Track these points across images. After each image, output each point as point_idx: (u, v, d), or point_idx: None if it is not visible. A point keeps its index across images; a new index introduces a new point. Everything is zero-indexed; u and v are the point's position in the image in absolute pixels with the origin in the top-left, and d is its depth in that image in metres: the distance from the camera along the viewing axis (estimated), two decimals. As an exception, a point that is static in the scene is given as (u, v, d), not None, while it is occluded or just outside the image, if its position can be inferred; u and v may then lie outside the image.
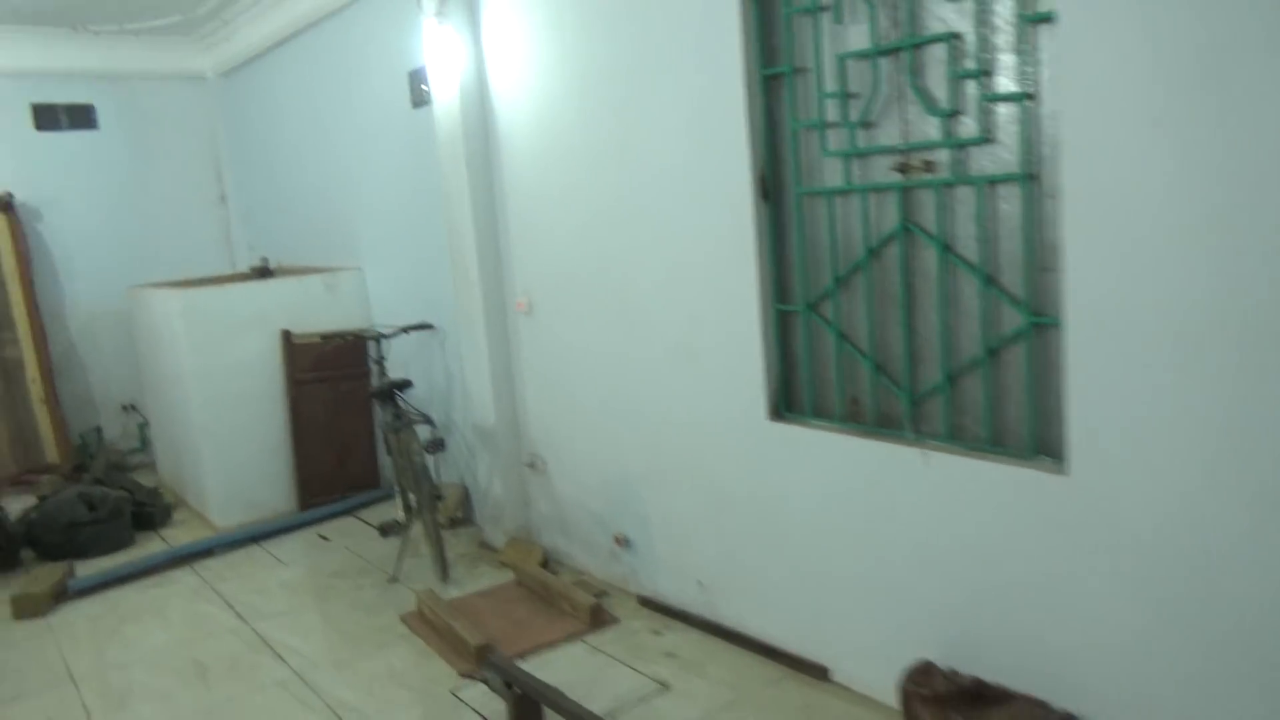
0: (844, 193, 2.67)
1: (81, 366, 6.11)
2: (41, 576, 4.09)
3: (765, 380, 2.92)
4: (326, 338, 4.66)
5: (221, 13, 5.54)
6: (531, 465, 4.05)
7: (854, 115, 2.59)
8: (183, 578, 4.23)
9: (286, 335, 4.91)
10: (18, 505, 4.90)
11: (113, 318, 6.07)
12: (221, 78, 6.35)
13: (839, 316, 2.76)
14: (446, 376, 4.55)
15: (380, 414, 4.38)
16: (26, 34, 5.63)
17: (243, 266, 6.45)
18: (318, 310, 5.01)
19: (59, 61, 5.83)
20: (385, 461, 5.20)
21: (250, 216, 6.45)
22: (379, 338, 4.49)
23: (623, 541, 3.55)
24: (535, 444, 4.02)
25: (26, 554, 4.52)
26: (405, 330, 4.49)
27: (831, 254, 2.73)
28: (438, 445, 4.03)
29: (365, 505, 5.06)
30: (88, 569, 4.33)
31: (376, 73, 4.57)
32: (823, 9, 2.62)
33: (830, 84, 2.65)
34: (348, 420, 5.12)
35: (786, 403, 2.95)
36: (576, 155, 3.44)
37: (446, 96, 3.85)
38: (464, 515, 4.55)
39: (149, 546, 4.68)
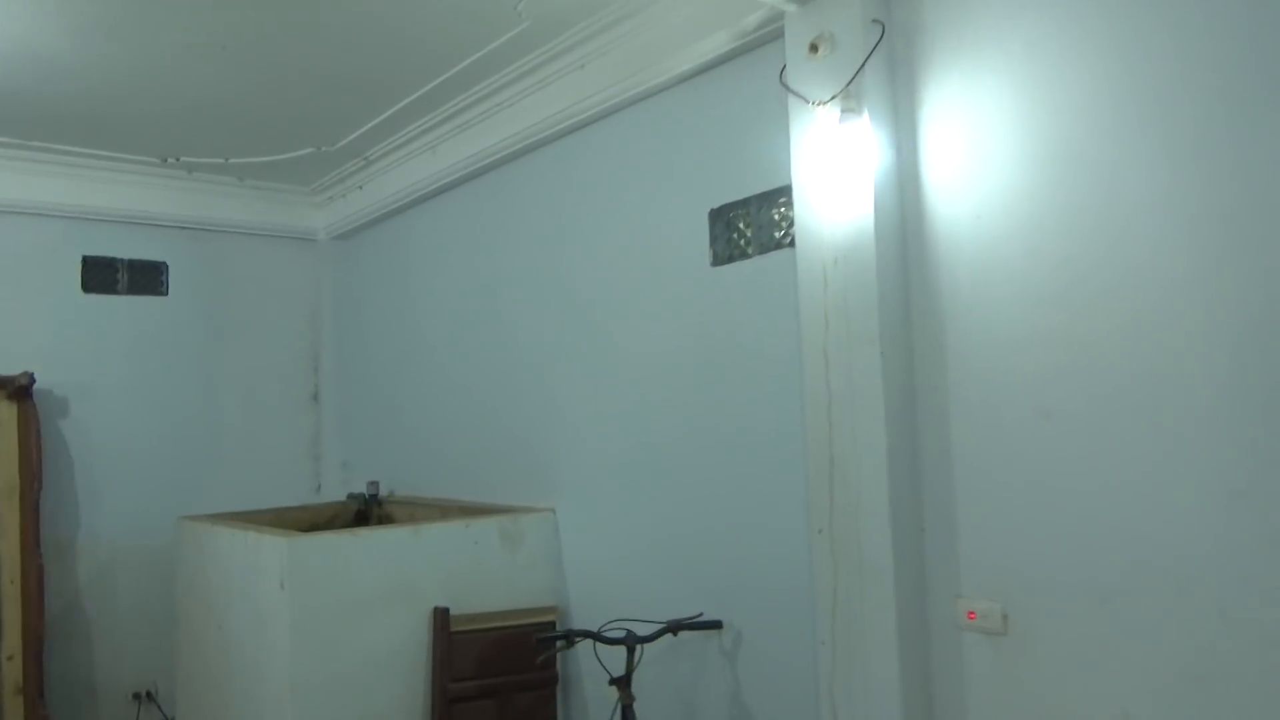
0: None
1: (85, 633, 4.14)
2: None
3: None
4: (544, 641, 2.75)
5: (368, 148, 4.07)
6: None
7: None
8: None
9: (442, 617, 3.02)
10: None
11: (144, 558, 4.20)
12: (337, 239, 4.82)
13: None
14: (737, 713, 2.63)
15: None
16: (90, 162, 4.13)
17: (333, 491, 4.64)
18: (488, 574, 3.15)
19: (129, 202, 4.30)
20: (571, 834, 3.16)
21: (350, 422, 4.71)
22: (634, 641, 2.61)
23: None
24: None
25: None
26: (673, 629, 2.63)
27: None
28: None
29: None
30: None
31: (639, 220, 2.99)
32: None
33: None
34: (517, 760, 3.13)
35: None
36: (1187, 329, 1.74)
37: (837, 232, 2.21)
38: None
39: None
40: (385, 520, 4.14)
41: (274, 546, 2.95)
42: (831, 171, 2.22)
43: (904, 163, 2.20)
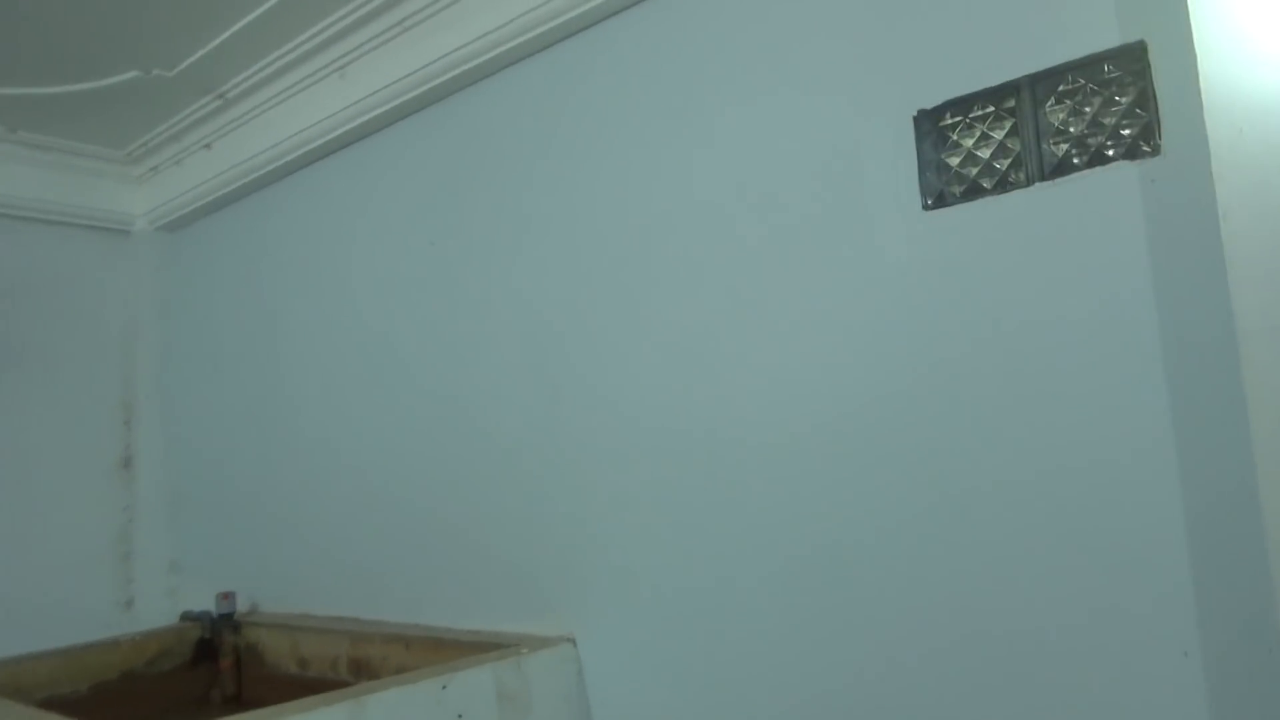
0: None
1: None
2: None
3: None
4: None
5: (227, 79, 2.64)
6: None
7: None
8: None
9: None
10: None
11: None
12: (165, 230, 3.29)
13: None
14: None
15: None
16: None
17: (155, 609, 3.04)
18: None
19: None
20: None
21: (183, 501, 3.15)
22: None
23: None
24: None
25: None
26: None
27: None
28: None
29: None
30: None
31: (753, 144, 1.77)
32: None
33: None
34: None
35: None
36: None
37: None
38: None
39: None
40: (251, 655, 2.63)
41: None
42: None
43: None
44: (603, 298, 1.98)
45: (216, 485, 3.02)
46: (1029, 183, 1.43)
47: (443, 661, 1.89)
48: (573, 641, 1.98)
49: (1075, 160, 1.38)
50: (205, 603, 2.76)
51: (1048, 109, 1.42)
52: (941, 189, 1.51)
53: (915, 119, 1.55)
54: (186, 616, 2.76)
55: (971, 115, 1.49)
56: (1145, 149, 1.31)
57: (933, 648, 1.47)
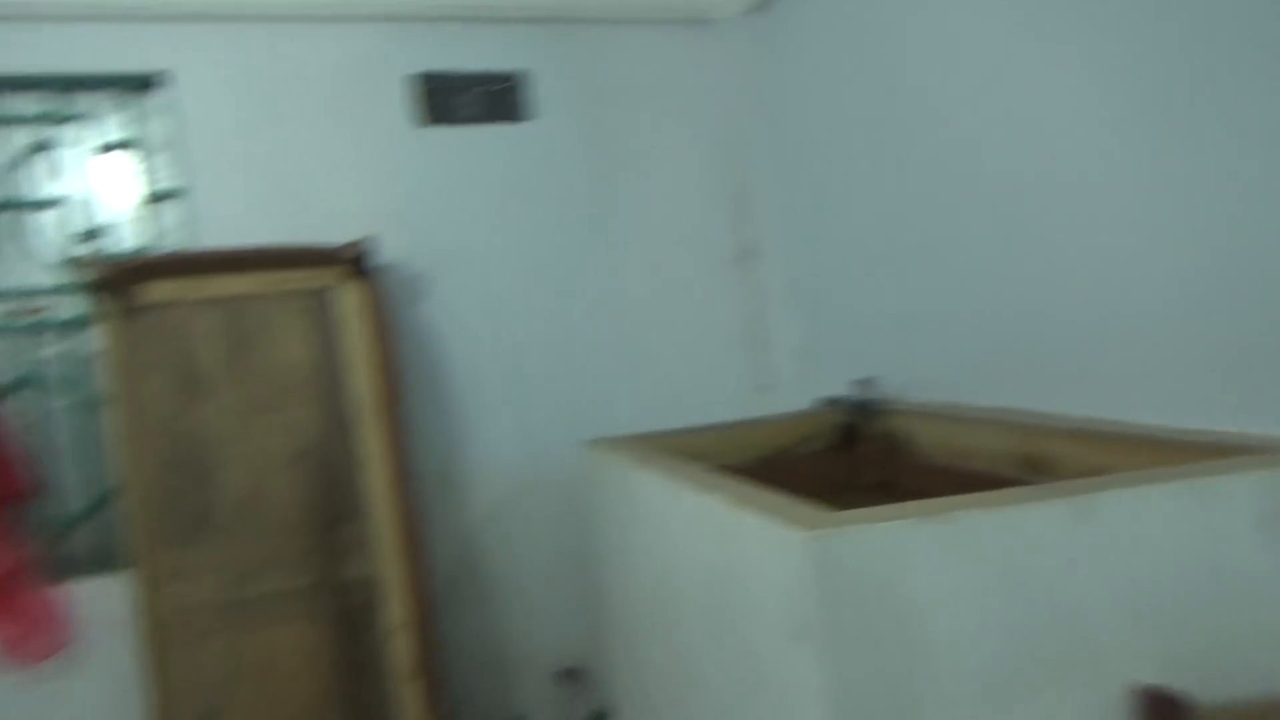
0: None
1: (480, 593, 3.06)
2: None
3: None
4: None
5: None
6: None
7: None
8: None
9: (1160, 711, 1.32)
10: None
11: (547, 490, 3.03)
12: (752, 14, 3.13)
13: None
14: None
15: None
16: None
17: (787, 394, 3.10)
18: (1239, 604, 1.37)
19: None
20: None
21: (808, 292, 3.10)
22: None
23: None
24: None
25: None
26: None
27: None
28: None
29: None
30: None
31: None
32: None
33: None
34: None
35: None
36: None
37: None
38: None
39: None
40: (898, 443, 2.49)
41: (778, 543, 1.40)
42: None
43: None
44: None
45: (841, 272, 2.88)
46: None
47: (1155, 466, 1.49)
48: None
49: None
50: (838, 389, 2.70)
51: None
52: None
53: None
54: (825, 401, 2.72)
55: None
56: None
57: None
